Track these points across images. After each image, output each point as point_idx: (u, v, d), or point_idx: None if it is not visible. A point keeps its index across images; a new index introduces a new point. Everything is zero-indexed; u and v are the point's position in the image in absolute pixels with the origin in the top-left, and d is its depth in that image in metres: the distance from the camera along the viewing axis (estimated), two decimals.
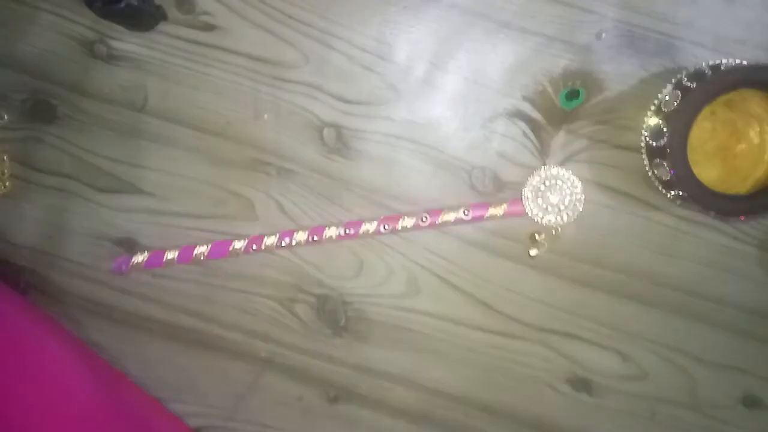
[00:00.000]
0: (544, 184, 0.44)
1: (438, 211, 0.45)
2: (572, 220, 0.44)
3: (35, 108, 0.48)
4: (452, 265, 0.48)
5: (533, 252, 0.46)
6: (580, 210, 0.44)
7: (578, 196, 0.45)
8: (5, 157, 0.48)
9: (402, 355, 0.49)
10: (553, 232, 0.45)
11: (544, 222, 0.45)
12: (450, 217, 0.45)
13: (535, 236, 0.45)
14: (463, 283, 0.48)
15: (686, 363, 0.47)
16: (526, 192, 0.45)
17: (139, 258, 0.47)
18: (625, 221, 0.46)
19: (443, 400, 0.49)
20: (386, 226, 0.46)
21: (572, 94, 0.44)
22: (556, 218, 0.45)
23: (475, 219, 0.45)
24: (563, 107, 0.45)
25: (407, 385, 0.49)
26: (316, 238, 0.46)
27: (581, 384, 0.48)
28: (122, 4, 0.43)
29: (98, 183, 0.49)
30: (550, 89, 0.45)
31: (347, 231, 0.46)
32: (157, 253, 0.47)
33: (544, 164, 0.45)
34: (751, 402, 0.47)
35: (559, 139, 0.45)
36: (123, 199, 0.49)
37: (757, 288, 0.46)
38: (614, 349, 0.48)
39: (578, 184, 0.44)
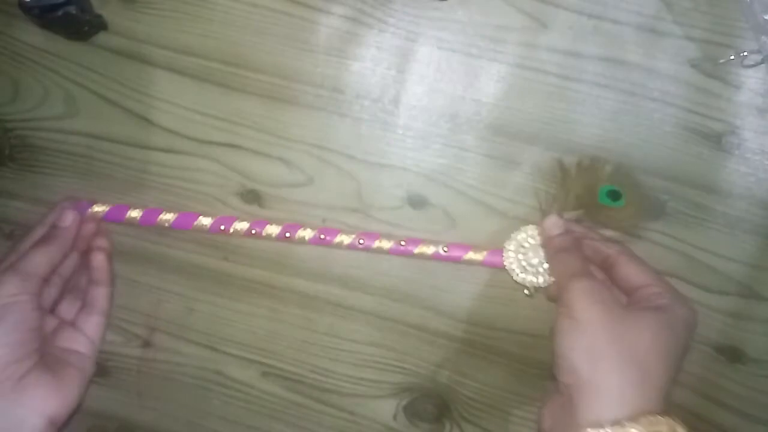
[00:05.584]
0: (528, 241, 0.43)
1: (418, 241, 0.45)
2: (548, 283, 0.42)
3: None
4: (107, 80, 0.47)
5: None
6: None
7: None
8: None
9: (68, 182, 0.49)
10: (525, 292, 0.43)
11: (518, 279, 0.43)
12: (428, 250, 0.44)
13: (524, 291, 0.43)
14: (120, 98, 0.47)
15: (348, 165, 0.46)
16: (509, 246, 0.43)
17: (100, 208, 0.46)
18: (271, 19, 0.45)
19: (116, 224, 0.48)
20: (362, 242, 0.45)
21: (613, 195, 0.43)
22: (532, 278, 0.43)
23: (452, 258, 0.44)
24: (600, 201, 0.43)
25: None
26: (288, 235, 0.45)
27: (251, 196, 0.48)
28: (60, 12, 0.42)
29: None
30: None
31: (321, 237, 0.45)
32: (121, 207, 0.46)
33: (535, 223, 0.43)
34: (417, 202, 0.46)
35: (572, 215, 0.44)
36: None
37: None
38: (278, 156, 0.47)
39: None
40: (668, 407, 0.34)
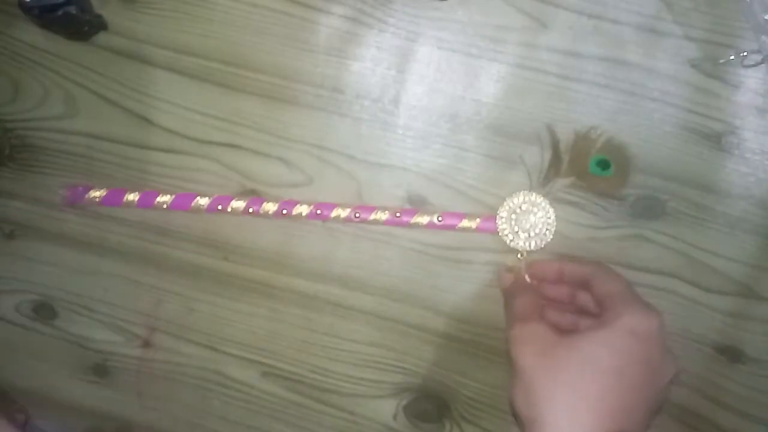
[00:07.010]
0: (520, 207, 0.45)
1: (413, 211, 0.45)
2: (540, 248, 0.45)
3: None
4: (107, 80, 0.47)
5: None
6: (549, 239, 0.45)
7: (549, 227, 0.45)
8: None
9: (68, 182, 0.48)
10: (518, 256, 0.45)
11: (512, 244, 0.45)
12: (423, 219, 0.45)
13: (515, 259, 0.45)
14: (120, 98, 0.47)
15: (348, 165, 0.46)
16: (502, 212, 0.45)
17: (97, 193, 0.47)
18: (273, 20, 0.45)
19: (116, 224, 0.49)
20: (358, 215, 0.45)
21: (602, 164, 0.44)
22: (524, 243, 0.45)
23: (446, 227, 0.45)
24: (591, 170, 0.44)
25: (80, 214, 0.49)
26: (285, 212, 0.46)
27: (251, 196, 0.47)
28: (60, 12, 0.42)
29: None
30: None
31: (318, 212, 0.46)
32: (118, 192, 0.47)
33: (529, 190, 0.45)
34: (417, 202, 0.46)
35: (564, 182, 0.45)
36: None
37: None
38: (277, 156, 0.47)
39: (552, 215, 0.44)
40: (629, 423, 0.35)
